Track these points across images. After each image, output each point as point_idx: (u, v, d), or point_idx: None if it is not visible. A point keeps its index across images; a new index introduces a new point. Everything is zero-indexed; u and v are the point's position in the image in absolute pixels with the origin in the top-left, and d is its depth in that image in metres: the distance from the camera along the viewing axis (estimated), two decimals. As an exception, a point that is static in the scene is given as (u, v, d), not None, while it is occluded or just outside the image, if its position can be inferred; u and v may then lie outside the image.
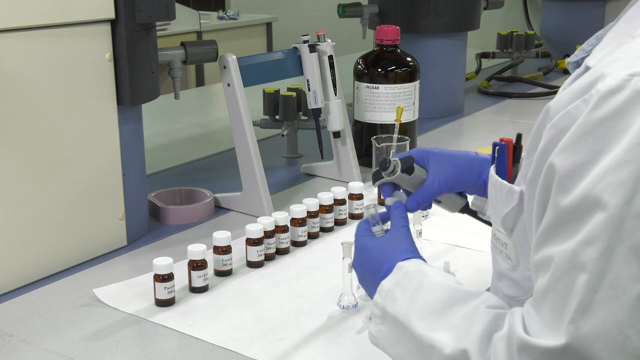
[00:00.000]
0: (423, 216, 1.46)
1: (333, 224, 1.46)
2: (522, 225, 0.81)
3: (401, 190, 1.04)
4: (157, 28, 1.40)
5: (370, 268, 0.90)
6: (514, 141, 0.89)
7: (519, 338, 0.67)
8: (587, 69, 0.74)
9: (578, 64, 0.81)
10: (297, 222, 1.37)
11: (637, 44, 0.71)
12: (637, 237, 0.62)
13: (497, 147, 0.89)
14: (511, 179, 0.86)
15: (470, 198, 1.08)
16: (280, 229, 1.34)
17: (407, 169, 1.02)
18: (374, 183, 1.05)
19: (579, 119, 0.67)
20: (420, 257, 0.88)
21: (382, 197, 1.58)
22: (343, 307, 1.14)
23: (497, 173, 0.88)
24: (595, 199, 0.64)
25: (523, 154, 0.84)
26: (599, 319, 0.63)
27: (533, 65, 3.02)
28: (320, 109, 1.66)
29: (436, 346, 0.75)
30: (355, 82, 1.80)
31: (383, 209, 0.99)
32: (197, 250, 1.20)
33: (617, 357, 0.62)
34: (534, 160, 0.74)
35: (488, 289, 0.98)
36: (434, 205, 1.34)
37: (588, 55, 0.79)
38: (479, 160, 1.04)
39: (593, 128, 0.66)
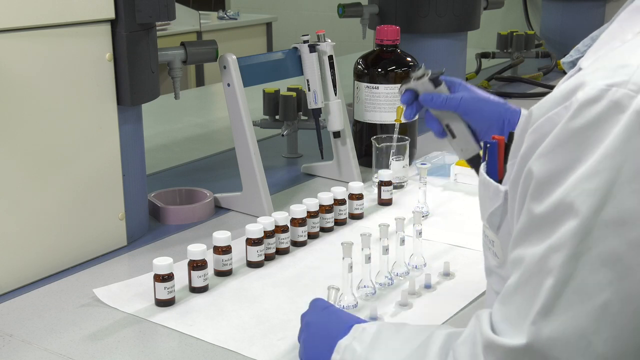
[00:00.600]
0: (423, 216, 1.46)
1: (333, 224, 1.46)
2: (507, 224, 0.82)
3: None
4: (157, 28, 1.40)
5: (333, 326, 0.92)
6: (505, 139, 0.89)
7: (485, 337, 0.69)
8: (580, 70, 0.75)
9: (573, 64, 0.82)
10: (297, 222, 1.37)
11: (623, 51, 0.71)
12: (604, 246, 0.63)
13: (487, 145, 0.90)
14: (502, 176, 0.87)
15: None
16: (280, 229, 1.34)
17: (435, 80, 1.05)
18: (400, 88, 1.10)
19: (558, 126, 0.68)
20: None
21: (381, 198, 1.58)
22: (343, 307, 1.14)
23: (488, 170, 0.88)
24: (568, 206, 0.65)
25: None
26: (560, 323, 0.64)
27: (533, 65, 3.01)
28: (320, 109, 1.66)
29: None
30: (355, 82, 1.80)
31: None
32: (197, 250, 1.20)
33: None
34: (516, 163, 0.75)
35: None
36: (433, 206, 1.35)
37: (582, 56, 0.79)
38: (507, 109, 1.12)
39: (570, 137, 0.66)
